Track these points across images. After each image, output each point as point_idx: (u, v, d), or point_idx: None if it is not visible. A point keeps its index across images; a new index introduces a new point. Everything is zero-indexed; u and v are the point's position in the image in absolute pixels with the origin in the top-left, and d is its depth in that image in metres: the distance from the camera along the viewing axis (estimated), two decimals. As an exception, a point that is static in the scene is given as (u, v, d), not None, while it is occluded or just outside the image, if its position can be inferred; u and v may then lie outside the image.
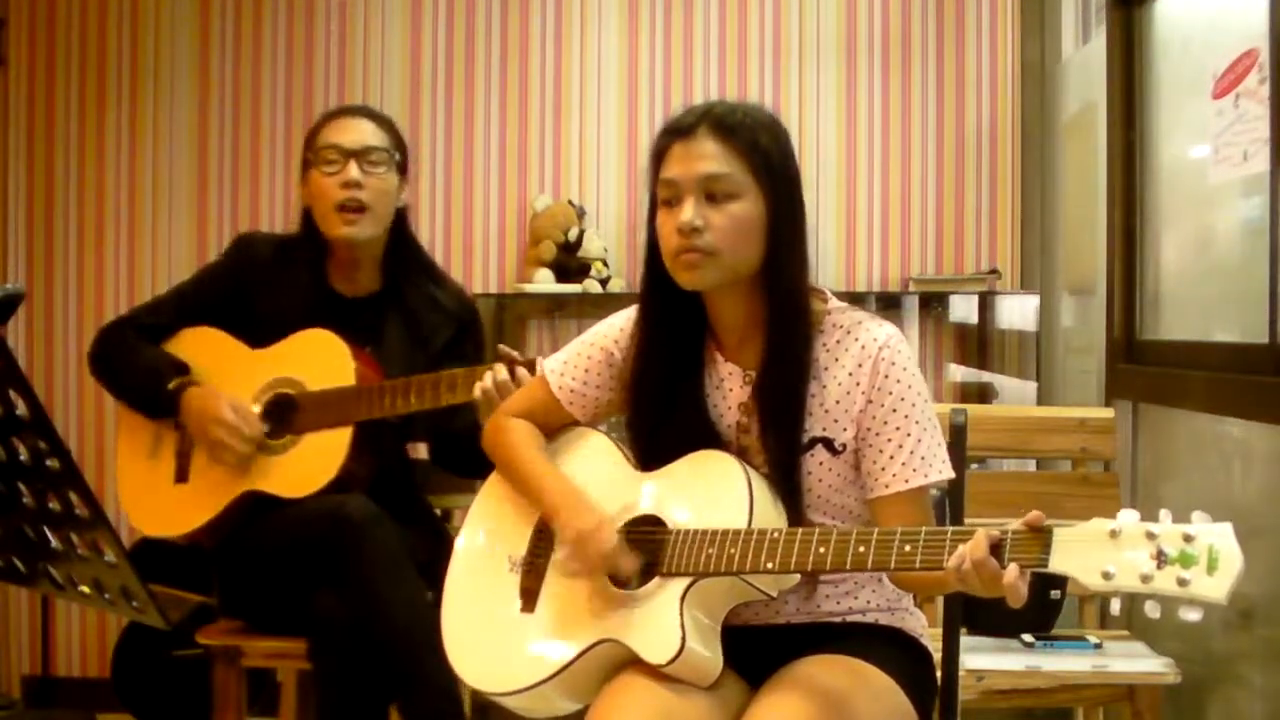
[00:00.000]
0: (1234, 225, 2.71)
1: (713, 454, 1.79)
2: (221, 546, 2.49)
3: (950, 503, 1.99)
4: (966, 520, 1.95)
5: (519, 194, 3.94)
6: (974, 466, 3.02)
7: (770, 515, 1.72)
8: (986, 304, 3.91)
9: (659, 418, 1.84)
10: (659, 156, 1.79)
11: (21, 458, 1.70)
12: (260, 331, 2.51)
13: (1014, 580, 1.45)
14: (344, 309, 2.53)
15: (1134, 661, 2.48)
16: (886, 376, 1.76)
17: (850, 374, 1.77)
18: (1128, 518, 1.43)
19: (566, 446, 1.95)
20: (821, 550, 1.61)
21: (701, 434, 1.82)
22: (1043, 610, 2.58)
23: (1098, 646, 2.55)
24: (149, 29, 3.96)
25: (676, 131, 1.78)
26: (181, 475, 2.51)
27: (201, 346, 2.54)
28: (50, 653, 3.94)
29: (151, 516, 2.52)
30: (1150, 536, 1.40)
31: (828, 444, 1.77)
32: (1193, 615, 1.38)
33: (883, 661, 1.75)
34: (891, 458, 1.75)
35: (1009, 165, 3.90)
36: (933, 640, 1.90)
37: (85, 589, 1.78)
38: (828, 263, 3.85)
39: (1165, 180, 3.02)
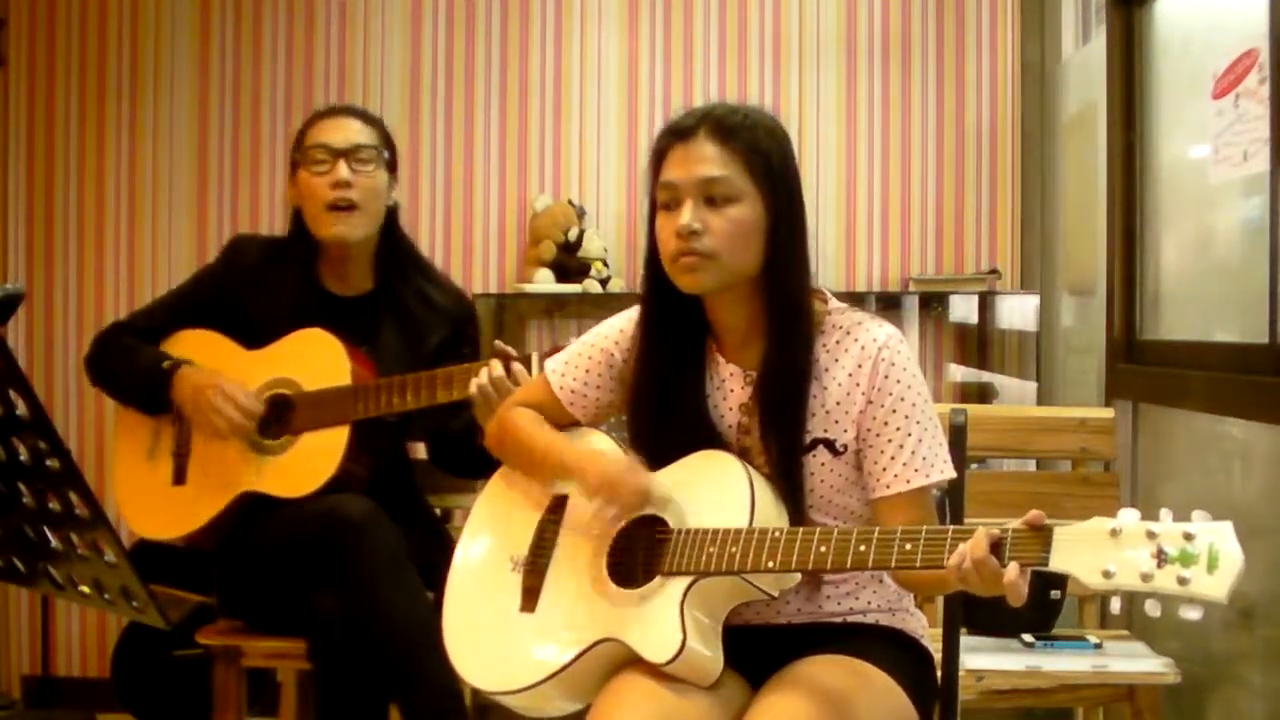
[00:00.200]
0: (1234, 225, 2.71)
1: (714, 454, 1.79)
2: (221, 547, 2.49)
3: (950, 502, 1.99)
4: (967, 520, 1.95)
5: (519, 194, 3.94)
6: (974, 466, 3.02)
7: (771, 515, 1.72)
8: (986, 304, 3.91)
9: (660, 419, 1.84)
10: (658, 158, 1.79)
11: (21, 458, 1.70)
12: (254, 333, 2.52)
13: (1014, 579, 1.45)
14: (337, 309, 2.53)
15: (1134, 661, 2.48)
16: (886, 377, 1.76)
17: (850, 375, 1.77)
18: (1128, 516, 1.43)
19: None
20: (822, 549, 1.61)
21: (702, 435, 1.82)
22: (1043, 610, 2.58)
23: (1098, 646, 2.55)
24: (149, 29, 3.96)
25: (676, 134, 1.78)
26: (179, 477, 2.51)
27: (197, 348, 2.54)
28: (50, 653, 3.94)
29: (149, 519, 2.52)
30: (1151, 535, 1.40)
31: (829, 445, 1.77)
32: (1193, 614, 1.38)
33: (883, 662, 1.75)
34: (893, 458, 1.75)
35: (1009, 165, 3.90)
36: (933, 640, 1.90)
37: (85, 589, 1.78)
38: (828, 263, 3.85)
39: (1165, 180, 3.02)
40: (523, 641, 1.79)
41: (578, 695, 1.78)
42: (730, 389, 1.84)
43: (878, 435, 1.76)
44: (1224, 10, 2.78)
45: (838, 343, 1.79)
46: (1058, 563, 1.45)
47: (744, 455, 1.79)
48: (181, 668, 3.22)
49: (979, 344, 3.95)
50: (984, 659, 2.45)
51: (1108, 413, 2.85)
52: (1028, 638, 2.57)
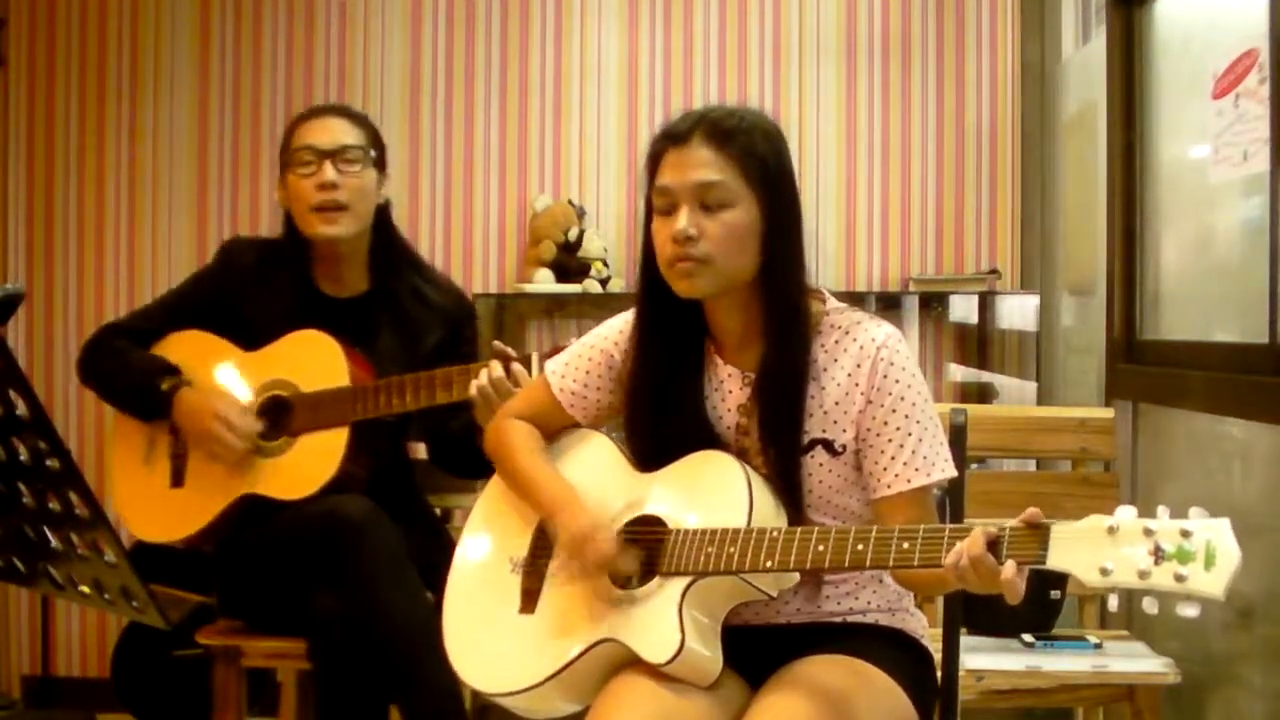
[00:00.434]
0: (1234, 225, 2.71)
1: (712, 454, 1.79)
2: (221, 547, 2.49)
3: (950, 502, 1.99)
4: (966, 521, 1.95)
5: (519, 194, 3.94)
6: (974, 466, 3.02)
7: (770, 516, 1.72)
8: (986, 304, 3.91)
9: (658, 420, 1.84)
10: (653, 163, 1.79)
11: (21, 458, 1.70)
12: (250, 336, 2.51)
13: (1011, 577, 1.45)
14: (332, 311, 2.52)
15: (1134, 661, 2.48)
16: (885, 377, 1.76)
17: (849, 375, 1.77)
18: (1125, 514, 1.43)
19: (567, 448, 1.95)
20: (820, 548, 1.61)
21: (701, 436, 1.82)
22: (1043, 610, 2.58)
23: (1098, 646, 2.55)
24: (149, 29, 3.97)
25: (671, 138, 1.77)
26: (177, 479, 2.51)
27: (193, 349, 2.54)
28: (50, 653, 3.95)
29: (149, 522, 2.52)
30: (1148, 533, 1.40)
31: (827, 445, 1.77)
32: (1190, 611, 1.38)
33: (883, 662, 1.75)
34: (893, 458, 1.75)
35: (1009, 165, 3.90)
36: (933, 640, 1.90)
37: (85, 589, 1.78)
38: (828, 263, 3.85)
39: (1165, 180, 3.02)
40: (522, 643, 1.79)
41: (577, 696, 1.78)
42: (729, 390, 1.84)
43: (877, 435, 1.76)
44: (1224, 10, 2.78)
45: (836, 343, 1.79)
46: (1055, 561, 1.45)
47: (742, 456, 1.79)
48: (181, 668, 3.22)
49: (979, 344, 3.95)
50: (984, 659, 2.45)
51: (1108, 413, 2.85)
52: (1028, 638, 2.57)
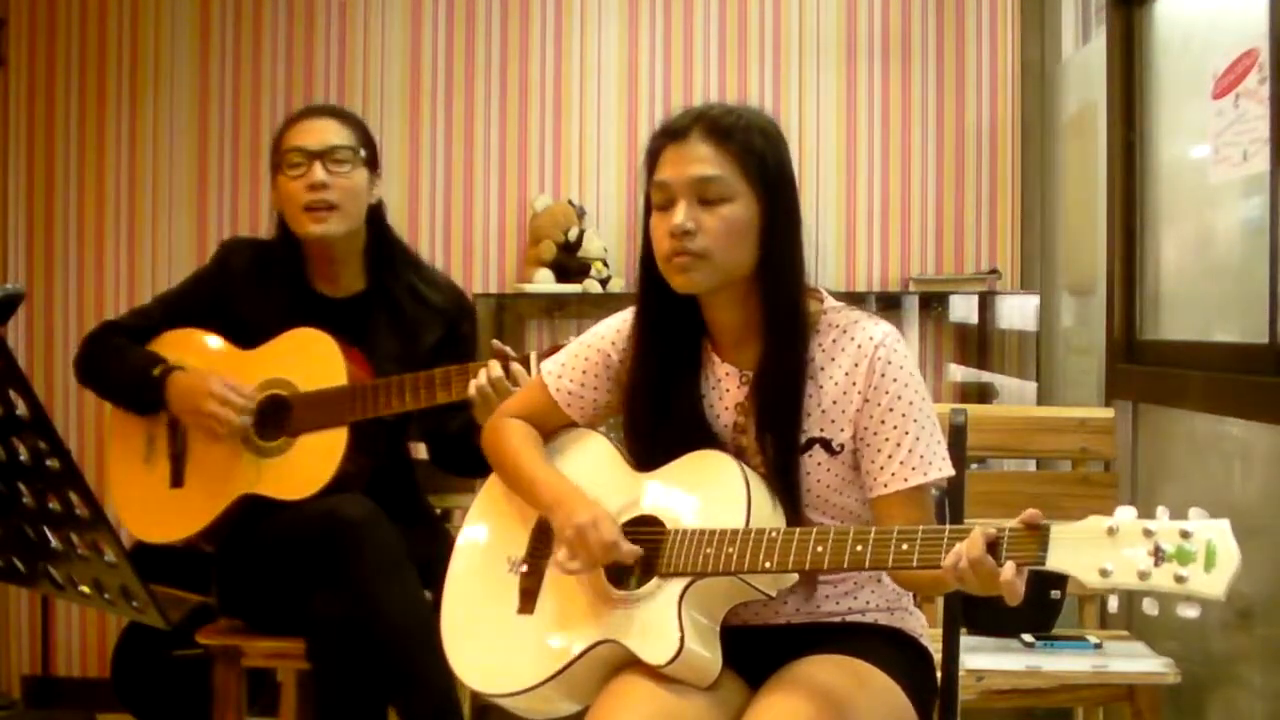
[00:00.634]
0: (1234, 225, 2.71)
1: (710, 454, 1.79)
2: (221, 547, 2.49)
3: (950, 502, 1.99)
4: (966, 520, 1.95)
5: (519, 194, 3.94)
6: (974, 466, 3.02)
7: (768, 515, 1.72)
8: (986, 304, 3.90)
9: (656, 419, 1.84)
10: (652, 159, 1.80)
11: (21, 458, 1.70)
12: (246, 337, 2.52)
13: (1011, 578, 1.45)
14: (328, 311, 2.52)
15: (1134, 661, 2.48)
16: (883, 375, 1.75)
17: (847, 374, 1.77)
18: (1125, 515, 1.43)
19: (564, 447, 1.95)
20: (819, 549, 1.61)
21: (698, 434, 1.82)
22: (1043, 610, 2.58)
23: (1098, 646, 2.55)
24: (149, 29, 3.97)
25: (670, 134, 1.78)
26: (177, 480, 2.51)
27: (190, 348, 2.54)
28: (50, 653, 3.95)
29: (148, 523, 2.52)
30: (1148, 534, 1.40)
31: (825, 444, 1.77)
32: (1191, 612, 1.38)
33: (882, 662, 1.75)
34: (890, 457, 1.75)
35: (1009, 165, 3.90)
36: (933, 640, 1.90)
37: (85, 589, 1.78)
38: (828, 263, 3.85)
39: (1165, 180, 3.02)
40: (521, 644, 1.79)
41: (576, 697, 1.78)
42: (726, 389, 1.84)
43: (875, 434, 1.76)
44: (1224, 10, 2.78)
45: (834, 341, 1.79)
46: (1055, 562, 1.45)
47: (740, 455, 1.79)
48: (181, 668, 3.22)
49: (979, 344, 3.95)
50: (984, 659, 2.45)
51: (1108, 413, 2.85)
52: (1028, 638, 2.57)
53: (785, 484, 1.75)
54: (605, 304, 3.52)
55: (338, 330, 2.46)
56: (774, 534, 1.65)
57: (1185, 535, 1.38)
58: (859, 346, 1.77)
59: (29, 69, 3.97)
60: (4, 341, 1.64)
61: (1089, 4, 3.65)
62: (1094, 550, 1.42)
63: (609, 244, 3.83)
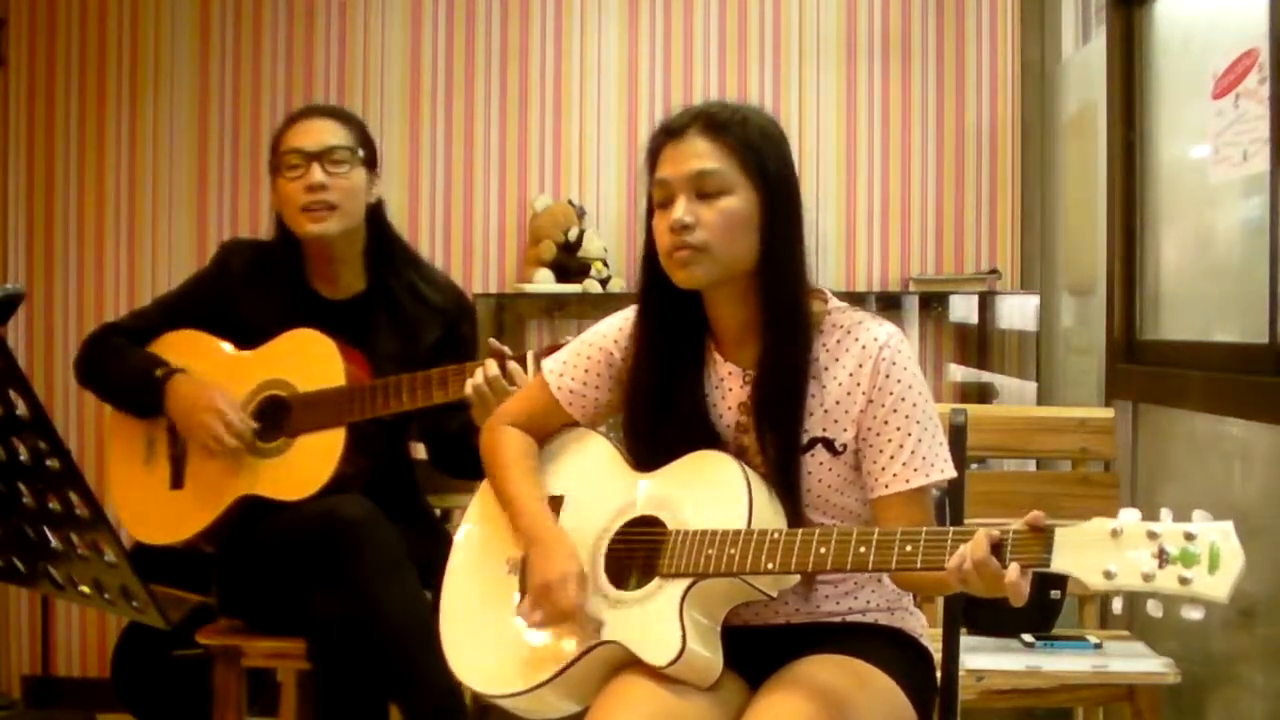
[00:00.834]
0: (1234, 225, 2.71)
1: (711, 454, 1.79)
2: (221, 547, 2.49)
3: (950, 503, 1.99)
4: (967, 521, 1.95)
5: (519, 194, 3.93)
6: (974, 466, 3.02)
7: (769, 516, 1.72)
8: (986, 304, 3.91)
9: (658, 418, 1.84)
10: (653, 157, 1.81)
11: (21, 458, 1.70)
12: (245, 339, 2.52)
13: (1015, 580, 1.45)
14: (328, 312, 2.52)
15: (1134, 661, 2.48)
16: (887, 376, 1.75)
17: (850, 374, 1.77)
18: (1129, 517, 1.43)
19: (565, 447, 1.95)
20: (822, 550, 1.61)
21: (700, 434, 1.81)
22: (1043, 610, 2.58)
23: (1098, 646, 2.55)
24: (149, 29, 3.96)
25: (669, 132, 1.79)
26: (177, 481, 2.51)
27: (189, 349, 2.54)
28: (50, 653, 3.95)
29: (148, 524, 2.52)
30: (1152, 536, 1.40)
31: (828, 444, 1.77)
32: (1194, 614, 1.38)
33: (883, 662, 1.75)
34: (892, 458, 1.75)
35: (1009, 165, 3.90)
36: (933, 640, 1.90)
37: (85, 589, 1.78)
38: (828, 263, 3.85)
39: (1165, 180, 3.02)
40: (521, 644, 1.79)
41: (577, 697, 1.78)
42: (729, 388, 1.83)
43: (877, 435, 1.76)
44: (1224, 10, 2.78)
45: (838, 342, 1.79)
46: (1059, 564, 1.45)
47: (741, 454, 1.79)
48: (181, 668, 3.22)
49: (979, 344, 3.95)
50: (984, 659, 2.45)
51: (1108, 413, 2.85)
52: (1028, 638, 2.57)
53: (786, 484, 1.75)
54: (605, 304, 3.52)
55: (337, 331, 2.46)
56: (776, 535, 1.65)
57: (1189, 537, 1.38)
58: (863, 347, 1.77)
59: (29, 69, 3.97)
60: (4, 341, 1.64)
61: (1089, 4, 3.65)
62: (1098, 552, 1.42)
63: (609, 244, 3.83)
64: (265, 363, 2.48)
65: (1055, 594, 2.58)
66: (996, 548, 1.48)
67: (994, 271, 3.85)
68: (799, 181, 1.81)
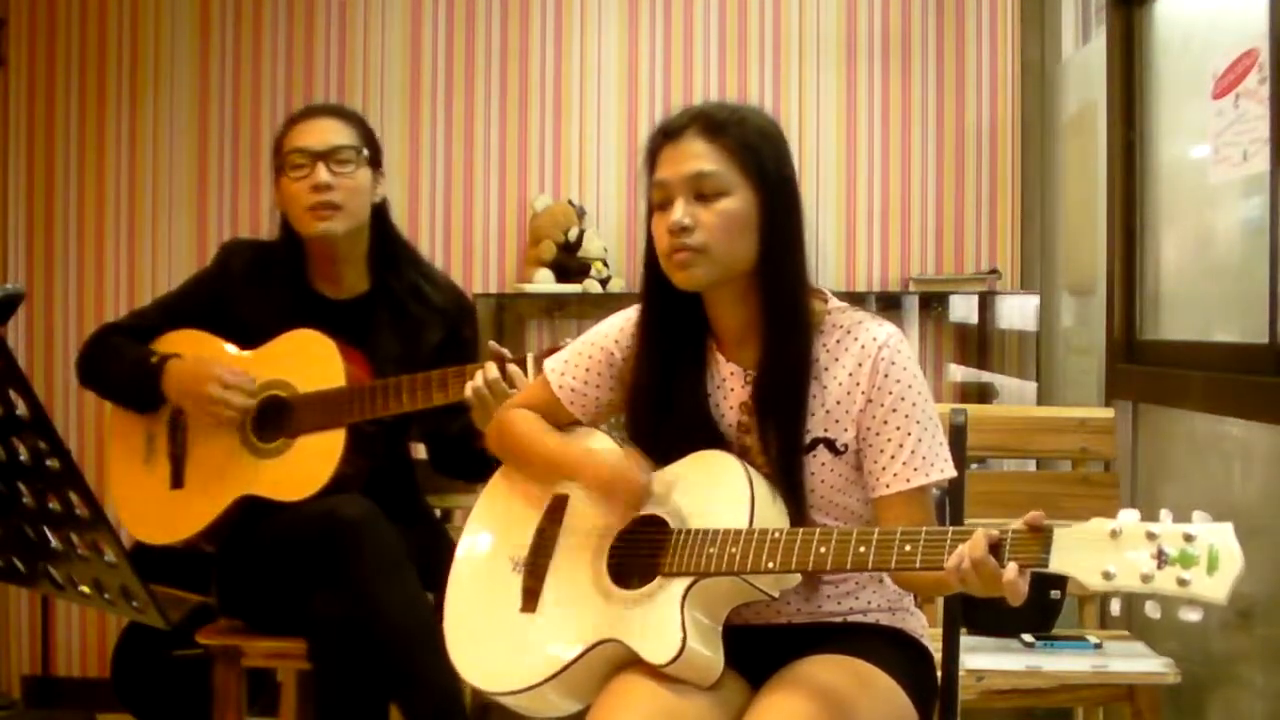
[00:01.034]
0: (1234, 225, 2.71)
1: (713, 454, 1.79)
2: (221, 547, 2.49)
3: (950, 502, 1.99)
4: (967, 521, 1.95)
5: (519, 194, 3.93)
6: (974, 466, 3.02)
7: (771, 515, 1.72)
8: (986, 304, 3.91)
9: (660, 418, 1.84)
10: (651, 158, 1.81)
11: (21, 458, 1.70)
12: (246, 339, 2.52)
13: (1014, 579, 1.45)
14: (329, 312, 2.52)
15: (1134, 661, 2.48)
16: (887, 376, 1.76)
17: (850, 374, 1.77)
18: (1128, 517, 1.43)
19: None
20: (822, 550, 1.61)
21: (702, 434, 1.82)
22: (1043, 610, 2.58)
23: (1098, 646, 2.55)
24: (149, 29, 3.96)
25: (667, 133, 1.79)
26: (177, 481, 2.51)
27: (191, 348, 2.53)
28: (50, 653, 3.95)
29: (148, 524, 2.52)
30: (1151, 536, 1.40)
31: (829, 444, 1.77)
32: (1193, 615, 1.38)
33: (883, 662, 1.75)
34: (892, 457, 1.75)
35: (1009, 165, 3.90)
36: (933, 640, 1.90)
37: (85, 589, 1.78)
38: (828, 263, 3.85)
39: (1165, 180, 3.02)
40: (523, 642, 1.79)
41: (578, 696, 1.78)
42: (731, 388, 1.84)
43: (878, 434, 1.76)
44: (1224, 10, 2.78)
45: (838, 342, 1.79)
46: (1058, 564, 1.45)
47: (744, 454, 1.79)
48: (181, 668, 3.22)
49: (979, 344, 3.95)
50: (984, 659, 2.46)
51: (1108, 413, 2.85)
52: (1028, 638, 2.57)
53: (789, 484, 1.75)
54: (605, 304, 3.52)
55: (339, 331, 2.46)
56: (777, 534, 1.65)
57: (1188, 538, 1.38)
58: (863, 347, 1.77)
59: (29, 69, 3.97)
60: (4, 341, 1.64)
61: (1089, 4, 3.65)
62: (1097, 552, 1.42)
63: (609, 244, 3.83)
64: (265, 363, 2.48)
65: (1055, 594, 2.58)
66: (995, 547, 1.48)
67: (994, 271, 3.85)
68: (798, 181, 1.81)
